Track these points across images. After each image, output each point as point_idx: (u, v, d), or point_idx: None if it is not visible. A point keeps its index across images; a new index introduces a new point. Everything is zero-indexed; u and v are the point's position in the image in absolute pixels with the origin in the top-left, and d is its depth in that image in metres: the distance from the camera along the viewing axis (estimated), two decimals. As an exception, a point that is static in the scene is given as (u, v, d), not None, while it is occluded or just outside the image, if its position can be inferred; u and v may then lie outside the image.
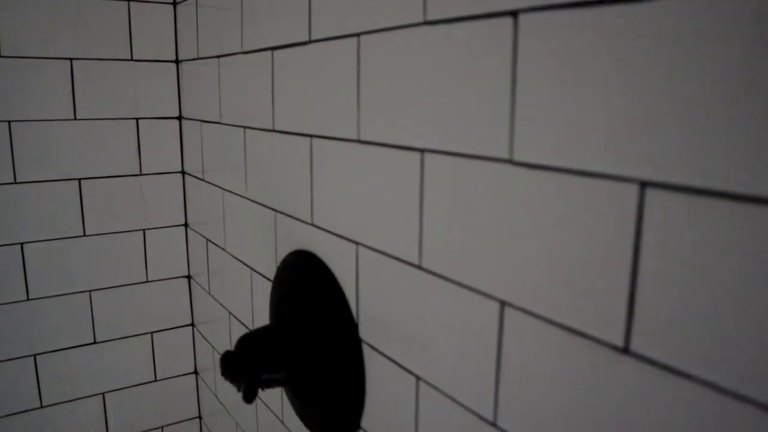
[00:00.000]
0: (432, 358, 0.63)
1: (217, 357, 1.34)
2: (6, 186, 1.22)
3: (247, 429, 1.21)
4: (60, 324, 1.32)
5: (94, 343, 1.37)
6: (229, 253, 1.17)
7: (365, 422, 0.77)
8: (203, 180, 1.28)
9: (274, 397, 1.04)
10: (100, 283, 1.35)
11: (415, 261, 0.64)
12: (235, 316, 1.19)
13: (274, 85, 0.90)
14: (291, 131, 0.86)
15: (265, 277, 1.02)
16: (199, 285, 1.40)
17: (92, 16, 1.26)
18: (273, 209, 0.95)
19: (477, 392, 0.57)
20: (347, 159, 0.74)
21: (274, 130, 0.92)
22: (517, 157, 0.50)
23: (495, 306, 0.54)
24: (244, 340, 0.81)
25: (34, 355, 1.31)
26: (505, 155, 0.51)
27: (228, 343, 1.27)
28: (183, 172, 1.41)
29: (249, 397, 0.74)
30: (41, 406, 1.33)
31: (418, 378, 0.66)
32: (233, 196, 1.11)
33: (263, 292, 1.03)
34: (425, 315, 0.63)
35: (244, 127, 1.03)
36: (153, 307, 1.43)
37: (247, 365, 0.77)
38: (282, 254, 0.94)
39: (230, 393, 1.30)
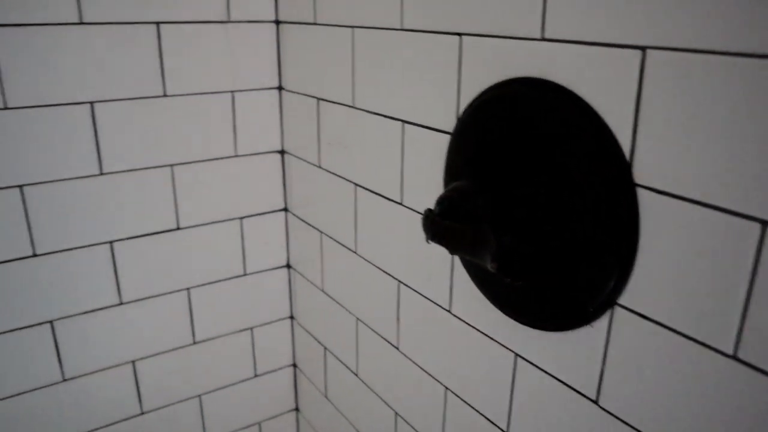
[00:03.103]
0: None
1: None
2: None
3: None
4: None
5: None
6: (359, 108, 0.95)
7: (627, 297, 0.58)
8: (315, 23, 1.03)
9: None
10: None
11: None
12: (361, 186, 0.98)
13: None
14: None
15: (433, 129, 0.79)
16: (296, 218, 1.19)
17: None
18: (456, 33, 0.72)
19: None
20: None
21: None
22: None
23: None
24: (460, 191, 0.60)
25: (133, 362, 1.16)
26: None
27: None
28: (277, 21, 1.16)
29: (507, 265, 0.55)
30: (141, 413, 1.20)
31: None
32: (376, 34, 0.87)
33: (424, 152, 0.81)
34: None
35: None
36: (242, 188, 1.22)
37: (482, 220, 0.57)
38: (469, 97, 0.72)
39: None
